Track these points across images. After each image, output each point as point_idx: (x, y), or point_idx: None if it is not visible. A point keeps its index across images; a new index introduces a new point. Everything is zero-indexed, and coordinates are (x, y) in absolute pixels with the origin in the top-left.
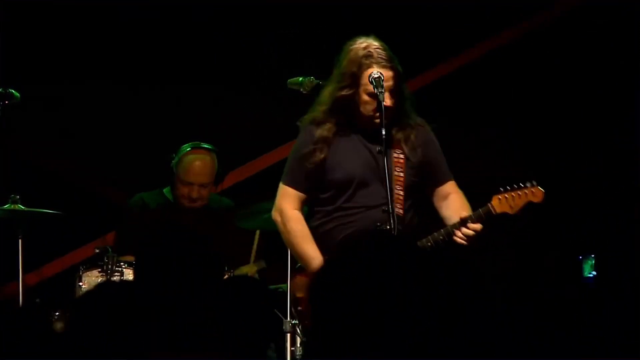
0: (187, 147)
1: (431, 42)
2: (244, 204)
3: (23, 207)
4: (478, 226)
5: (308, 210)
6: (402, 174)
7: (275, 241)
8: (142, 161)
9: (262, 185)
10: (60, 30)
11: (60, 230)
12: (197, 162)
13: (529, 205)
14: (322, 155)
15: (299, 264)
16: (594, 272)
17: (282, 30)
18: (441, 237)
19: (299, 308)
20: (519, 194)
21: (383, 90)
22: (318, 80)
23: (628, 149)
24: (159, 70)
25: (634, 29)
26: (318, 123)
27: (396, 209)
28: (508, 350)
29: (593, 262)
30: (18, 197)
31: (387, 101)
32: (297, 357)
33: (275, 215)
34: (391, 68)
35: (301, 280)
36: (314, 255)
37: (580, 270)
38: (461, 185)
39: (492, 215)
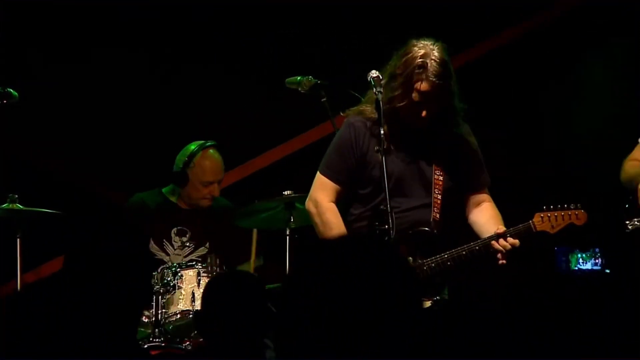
0: (196, 149)
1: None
2: (243, 204)
3: (21, 207)
4: (516, 242)
5: (344, 205)
6: (441, 178)
7: (273, 240)
8: (141, 160)
9: (260, 184)
10: (59, 29)
11: (58, 230)
12: (214, 161)
13: (570, 227)
14: (364, 150)
15: None
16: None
17: (282, 29)
18: (477, 248)
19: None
20: (562, 215)
21: (381, 90)
22: (316, 80)
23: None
24: (157, 69)
25: (634, 29)
26: (363, 117)
27: (433, 213)
28: (507, 350)
29: (579, 255)
30: (17, 196)
31: (423, 113)
32: None
33: (309, 205)
34: (439, 86)
35: None
36: None
37: (556, 262)
38: None
39: (531, 232)
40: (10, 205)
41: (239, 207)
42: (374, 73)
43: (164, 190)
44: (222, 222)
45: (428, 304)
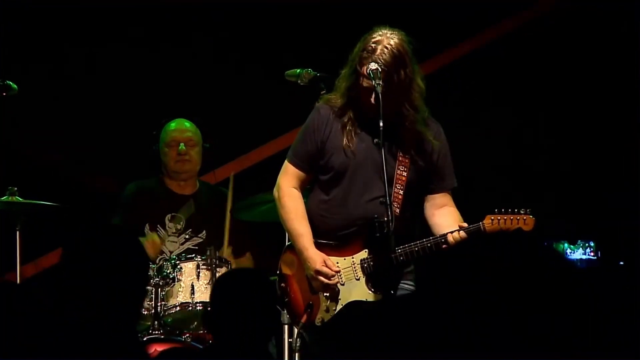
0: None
1: (430, 32)
2: (242, 196)
3: (21, 199)
4: (464, 236)
5: (309, 193)
6: (405, 173)
7: (272, 232)
8: (139, 152)
9: (260, 176)
10: (56, 23)
11: (57, 222)
12: (179, 123)
13: (517, 231)
14: (324, 136)
15: (290, 242)
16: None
17: (281, 21)
18: (429, 245)
19: (282, 285)
20: (511, 219)
21: (381, 83)
22: (315, 72)
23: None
24: (155, 62)
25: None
26: (329, 105)
27: (393, 207)
28: (507, 350)
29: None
30: (16, 189)
31: (372, 99)
32: (295, 348)
33: (274, 191)
34: (386, 72)
35: (290, 257)
36: (302, 232)
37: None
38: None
39: (480, 233)
40: (10, 198)
41: (238, 199)
42: (373, 66)
43: (159, 177)
44: (218, 209)
45: (378, 297)
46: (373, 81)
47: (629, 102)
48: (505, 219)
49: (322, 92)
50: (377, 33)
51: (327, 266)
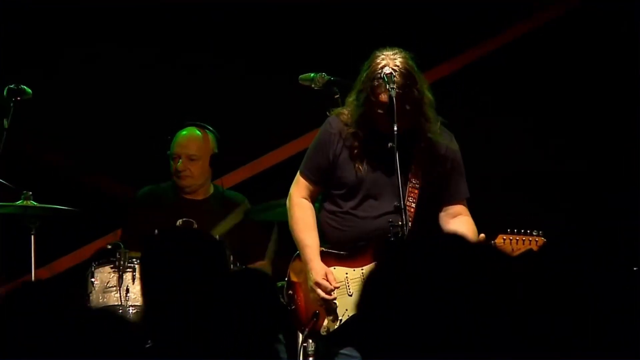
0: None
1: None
2: (257, 200)
3: (35, 203)
4: None
5: (321, 202)
6: (417, 186)
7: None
8: (152, 155)
9: (276, 180)
10: (69, 24)
11: (72, 226)
12: (185, 134)
13: (528, 252)
14: (336, 151)
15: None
16: None
17: (293, 24)
18: None
19: (290, 292)
20: (522, 239)
21: (395, 87)
22: (330, 76)
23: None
24: (171, 64)
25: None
26: (342, 119)
27: (405, 221)
28: (506, 350)
29: None
30: (30, 193)
31: (395, 127)
32: (309, 352)
33: (287, 200)
34: (400, 95)
35: (299, 265)
36: (308, 244)
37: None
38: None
39: None
40: (24, 202)
41: (254, 203)
42: (387, 70)
43: (172, 183)
44: (229, 215)
45: None
46: (387, 85)
47: (630, 102)
48: (517, 239)
49: (336, 96)
50: (379, 58)
51: (327, 280)
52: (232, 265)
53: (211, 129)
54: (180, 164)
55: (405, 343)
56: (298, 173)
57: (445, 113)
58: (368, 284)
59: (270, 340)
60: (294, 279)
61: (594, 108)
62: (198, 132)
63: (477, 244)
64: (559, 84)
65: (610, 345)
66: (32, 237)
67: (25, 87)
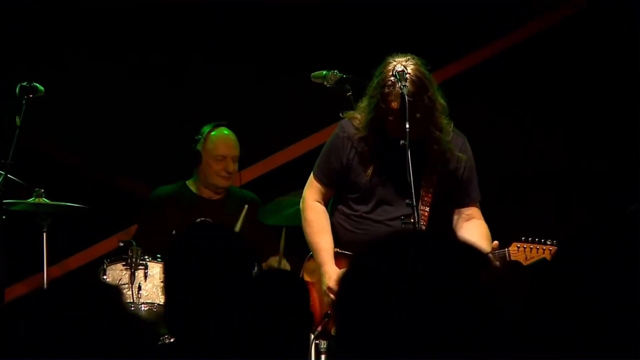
0: (209, 127)
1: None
2: (268, 198)
3: (47, 201)
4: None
5: (333, 205)
6: (430, 191)
7: (299, 236)
8: (165, 154)
9: (287, 178)
10: (80, 23)
11: (84, 224)
12: (226, 136)
13: (542, 261)
14: (350, 156)
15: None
16: None
17: (307, 22)
18: None
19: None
20: (537, 248)
21: (407, 85)
22: (342, 74)
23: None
24: (181, 61)
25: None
26: (354, 123)
27: (418, 225)
28: (505, 350)
29: None
30: (42, 190)
31: (394, 130)
32: (322, 350)
33: (300, 202)
34: (411, 103)
35: (312, 265)
36: (322, 247)
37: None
38: None
39: (505, 260)
40: (36, 200)
41: (265, 202)
42: (399, 67)
43: (187, 182)
44: (249, 215)
45: None
46: (399, 83)
47: (630, 102)
48: (531, 248)
49: (348, 94)
50: (392, 65)
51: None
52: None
53: (227, 124)
54: (230, 166)
55: (386, 341)
56: (311, 175)
57: (453, 116)
58: (344, 282)
59: (299, 341)
60: (307, 278)
61: (602, 108)
62: (231, 132)
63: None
64: (566, 84)
65: (610, 345)
66: (44, 234)
67: (37, 84)
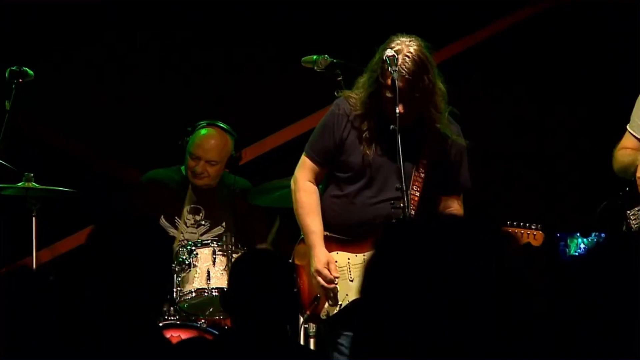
0: (203, 123)
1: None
2: (259, 182)
3: (37, 185)
4: None
5: (324, 185)
6: (422, 175)
7: (288, 219)
8: (157, 138)
9: (276, 162)
10: (70, 6)
11: (73, 208)
12: (207, 138)
13: (526, 245)
14: (344, 135)
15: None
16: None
17: (297, 5)
18: None
19: (293, 275)
20: (521, 232)
21: (397, 69)
22: (332, 59)
23: None
24: (173, 45)
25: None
26: (349, 103)
27: (409, 210)
28: (505, 349)
29: (580, 240)
30: (32, 175)
31: (400, 108)
32: (311, 334)
33: (291, 183)
34: (408, 81)
35: (303, 248)
36: (313, 229)
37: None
38: None
39: None
40: (26, 184)
41: (256, 185)
42: (390, 52)
43: (182, 167)
44: (240, 202)
45: None
46: (390, 68)
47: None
48: (515, 232)
49: (338, 79)
50: (395, 42)
51: (328, 269)
52: (233, 247)
53: (230, 130)
54: (199, 167)
55: (403, 332)
56: (303, 154)
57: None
58: (368, 268)
59: (284, 321)
60: (297, 262)
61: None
62: (220, 136)
63: (484, 227)
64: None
65: (610, 345)
66: (34, 218)
67: (27, 68)
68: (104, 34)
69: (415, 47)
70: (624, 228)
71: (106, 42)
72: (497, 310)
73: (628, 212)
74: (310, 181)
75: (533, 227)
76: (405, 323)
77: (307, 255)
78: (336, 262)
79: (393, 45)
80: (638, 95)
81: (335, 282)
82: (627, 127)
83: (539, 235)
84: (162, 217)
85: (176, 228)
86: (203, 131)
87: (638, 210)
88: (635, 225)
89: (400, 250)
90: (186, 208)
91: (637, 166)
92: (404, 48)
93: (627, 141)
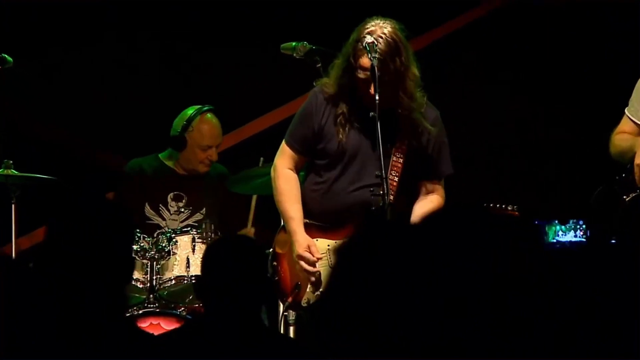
0: (194, 113)
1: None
2: (239, 169)
3: (16, 172)
4: None
5: (305, 173)
6: (401, 160)
7: (268, 206)
8: (137, 126)
9: (256, 149)
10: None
11: (53, 195)
12: (212, 125)
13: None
14: (322, 122)
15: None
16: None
17: None
18: None
19: (274, 263)
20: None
21: (377, 56)
22: (311, 45)
23: None
24: (150, 31)
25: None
26: (327, 89)
27: (388, 195)
28: (503, 349)
29: (558, 227)
30: (11, 162)
31: (371, 90)
32: (290, 322)
33: (271, 170)
34: (380, 62)
35: (284, 236)
36: (292, 216)
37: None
38: None
39: None
40: (5, 171)
41: (235, 173)
42: (369, 39)
43: (160, 155)
44: (219, 188)
45: None
46: (369, 54)
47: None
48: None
49: (317, 65)
50: (369, 24)
51: (310, 252)
52: (212, 234)
53: (213, 108)
54: (214, 155)
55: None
56: (283, 142)
57: (428, 84)
58: (339, 253)
59: (258, 308)
60: (278, 250)
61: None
62: (217, 120)
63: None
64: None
65: (610, 345)
66: (13, 206)
67: (5, 55)
68: (85, 21)
69: (389, 28)
70: (620, 213)
71: (87, 28)
72: (477, 302)
73: (624, 197)
74: (290, 168)
75: (509, 207)
76: (381, 314)
77: (288, 243)
78: None
79: (368, 26)
80: (638, 80)
81: (318, 265)
82: (626, 110)
83: (517, 215)
84: (146, 204)
85: (161, 216)
86: (206, 121)
87: (634, 196)
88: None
89: (380, 237)
90: (169, 195)
91: (634, 152)
92: (377, 29)
93: (625, 125)
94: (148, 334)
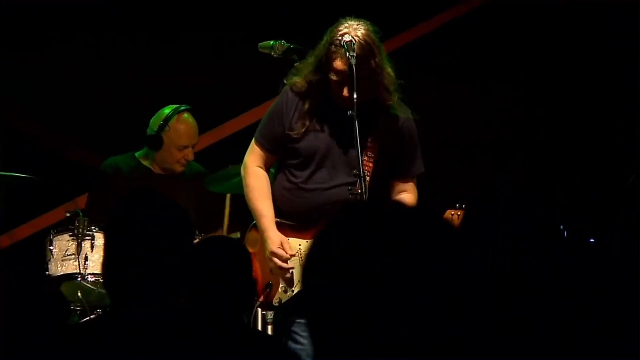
0: (171, 113)
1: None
2: (216, 168)
3: None
4: None
5: (276, 172)
6: (372, 160)
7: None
8: (114, 124)
9: (233, 148)
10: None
11: (31, 194)
12: (189, 125)
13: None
14: (292, 120)
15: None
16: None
17: None
18: None
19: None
20: (451, 214)
21: (354, 55)
22: (289, 44)
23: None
24: (130, 30)
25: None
26: (297, 88)
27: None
28: (503, 349)
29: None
30: None
31: (345, 92)
32: (268, 320)
33: (241, 169)
34: (357, 64)
35: (254, 235)
36: (264, 213)
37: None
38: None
39: None
40: None
41: (212, 172)
42: (347, 38)
43: (137, 154)
44: (196, 188)
45: None
46: (347, 53)
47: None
48: (459, 215)
49: (295, 64)
50: (342, 25)
51: (283, 249)
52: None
53: (190, 108)
54: (190, 154)
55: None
56: (253, 141)
57: (406, 82)
58: (313, 247)
59: (241, 309)
60: (249, 249)
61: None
62: (193, 120)
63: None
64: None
65: (610, 345)
66: None
67: None
68: (66, 18)
69: (362, 30)
70: None
71: (68, 26)
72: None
73: None
74: (259, 167)
75: (457, 206)
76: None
77: (259, 241)
78: None
79: (341, 28)
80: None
81: (290, 262)
82: None
83: (461, 213)
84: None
85: None
86: (182, 121)
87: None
88: None
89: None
90: None
91: None
92: (350, 31)
93: None
94: (148, 334)
